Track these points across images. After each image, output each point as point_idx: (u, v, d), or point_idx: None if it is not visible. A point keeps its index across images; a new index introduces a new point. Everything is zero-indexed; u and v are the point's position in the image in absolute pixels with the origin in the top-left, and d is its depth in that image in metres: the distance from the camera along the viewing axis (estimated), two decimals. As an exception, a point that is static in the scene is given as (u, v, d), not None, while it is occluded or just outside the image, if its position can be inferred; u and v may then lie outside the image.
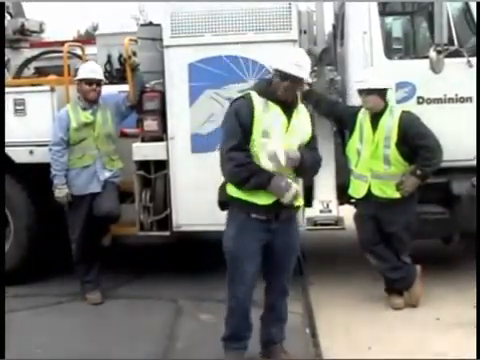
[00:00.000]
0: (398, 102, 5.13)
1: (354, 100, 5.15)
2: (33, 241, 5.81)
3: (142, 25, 6.23)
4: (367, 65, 5.21)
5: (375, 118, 4.88)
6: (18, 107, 5.70)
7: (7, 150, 5.69)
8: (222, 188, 3.93)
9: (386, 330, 4.58)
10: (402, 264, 5.00)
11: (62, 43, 6.39)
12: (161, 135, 5.46)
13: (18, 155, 5.72)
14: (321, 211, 5.48)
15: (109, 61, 6.70)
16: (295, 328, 4.59)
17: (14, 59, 7.32)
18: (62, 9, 37.12)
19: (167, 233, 5.54)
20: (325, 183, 5.48)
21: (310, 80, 3.84)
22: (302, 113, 3.86)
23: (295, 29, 5.18)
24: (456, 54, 5.05)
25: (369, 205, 4.97)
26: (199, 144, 5.31)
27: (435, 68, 4.94)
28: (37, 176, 5.64)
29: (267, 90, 3.75)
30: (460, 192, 5.23)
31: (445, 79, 5.08)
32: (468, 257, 5.59)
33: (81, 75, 5.35)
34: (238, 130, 3.66)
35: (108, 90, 5.67)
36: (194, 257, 6.60)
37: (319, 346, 4.40)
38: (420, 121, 4.85)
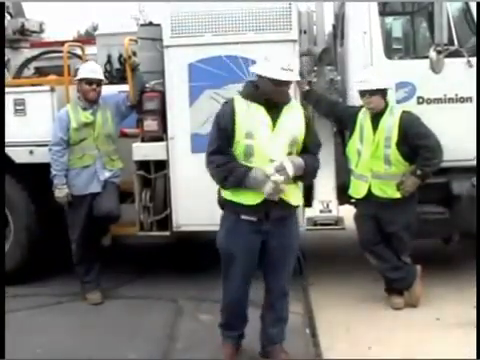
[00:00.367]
0: (398, 102, 5.13)
1: (354, 100, 5.15)
2: (33, 241, 5.81)
3: (142, 25, 6.21)
4: (367, 65, 5.21)
5: (375, 118, 4.88)
6: (18, 107, 5.69)
7: (7, 150, 5.69)
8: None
9: (386, 330, 4.58)
10: (402, 264, 5.00)
11: (62, 43, 6.38)
12: (161, 135, 5.46)
13: (18, 155, 5.72)
14: (321, 211, 5.48)
15: (109, 61, 6.70)
16: (295, 328, 4.59)
17: (14, 59, 7.32)
18: (62, 9, 37.20)
19: (167, 233, 5.54)
20: (325, 183, 5.48)
21: (299, 78, 3.82)
22: (294, 109, 3.88)
23: (295, 29, 5.18)
24: (456, 54, 5.05)
25: (369, 205, 4.97)
26: (199, 144, 5.29)
27: (435, 68, 4.95)
28: (37, 176, 5.64)
29: (254, 94, 3.80)
30: (460, 192, 5.23)
31: (445, 79, 5.08)
32: (468, 257, 5.59)
33: (81, 75, 5.35)
34: (218, 135, 3.80)
35: (108, 90, 5.67)
36: (194, 257, 6.60)
37: (319, 346, 4.40)
38: (420, 121, 4.85)
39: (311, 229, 5.48)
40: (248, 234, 3.84)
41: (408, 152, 4.81)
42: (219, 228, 4.01)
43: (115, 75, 6.61)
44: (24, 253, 5.81)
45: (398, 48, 6.28)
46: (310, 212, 5.50)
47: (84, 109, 5.36)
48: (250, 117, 3.74)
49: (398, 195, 4.85)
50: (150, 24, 5.80)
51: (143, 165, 5.48)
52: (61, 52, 6.01)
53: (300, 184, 4.05)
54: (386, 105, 4.88)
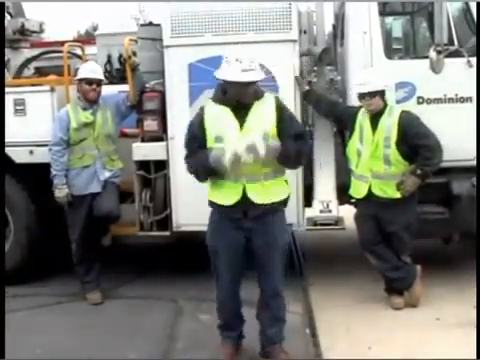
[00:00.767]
0: (398, 102, 5.13)
1: (354, 100, 5.14)
2: (33, 241, 5.82)
3: (142, 25, 6.21)
4: (367, 65, 5.21)
5: (375, 118, 4.88)
6: (18, 107, 5.70)
7: (7, 150, 5.70)
8: None
9: (386, 330, 4.58)
10: (402, 264, 5.00)
11: (62, 43, 6.39)
12: (161, 135, 5.46)
13: (18, 155, 5.72)
14: (321, 211, 5.48)
15: (109, 61, 6.71)
16: (295, 328, 4.60)
17: (14, 59, 7.32)
18: (62, 9, 37.18)
19: (167, 233, 5.54)
20: (325, 183, 5.49)
21: (258, 78, 3.82)
22: (264, 103, 3.88)
23: (295, 29, 5.18)
24: (456, 54, 5.05)
25: (370, 205, 4.97)
26: (199, 144, 5.30)
27: (435, 68, 4.95)
28: (37, 176, 5.64)
29: (223, 97, 3.88)
30: (460, 192, 5.23)
31: (445, 79, 5.07)
32: (468, 257, 5.59)
33: (81, 75, 5.35)
34: (189, 142, 4.03)
35: (108, 90, 5.67)
36: (194, 257, 6.58)
37: (319, 346, 4.40)
38: (420, 121, 4.85)
39: (311, 229, 5.47)
40: (230, 230, 3.93)
41: (408, 152, 4.81)
42: (207, 226, 4.10)
43: (115, 75, 6.62)
44: (24, 253, 5.81)
45: (398, 48, 6.29)
46: (310, 212, 5.50)
47: (84, 109, 5.36)
48: (218, 121, 3.85)
49: (398, 195, 4.85)
50: (150, 24, 5.80)
51: (143, 165, 5.48)
52: (61, 52, 6.01)
53: (284, 178, 4.01)
54: (385, 105, 4.88)
